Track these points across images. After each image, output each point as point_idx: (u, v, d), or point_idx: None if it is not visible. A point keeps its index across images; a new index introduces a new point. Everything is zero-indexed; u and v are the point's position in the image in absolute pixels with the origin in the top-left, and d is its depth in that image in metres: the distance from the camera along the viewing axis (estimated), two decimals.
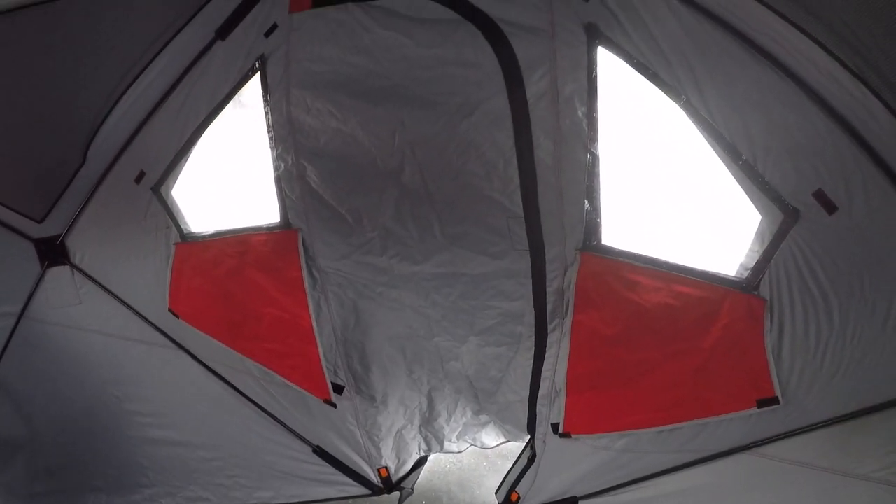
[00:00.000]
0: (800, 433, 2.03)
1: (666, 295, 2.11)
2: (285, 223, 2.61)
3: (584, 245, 2.22)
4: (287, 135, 2.47)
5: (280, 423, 2.97)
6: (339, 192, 2.49)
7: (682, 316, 2.10)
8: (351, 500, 3.04)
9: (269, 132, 2.52)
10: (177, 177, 2.79)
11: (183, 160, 2.75)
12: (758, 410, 2.04)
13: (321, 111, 2.39)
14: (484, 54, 2.11)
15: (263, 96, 2.49)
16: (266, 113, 2.51)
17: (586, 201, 2.16)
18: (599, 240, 2.21)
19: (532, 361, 2.51)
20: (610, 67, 2.04)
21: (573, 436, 2.42)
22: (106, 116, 2.75)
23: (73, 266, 3.02)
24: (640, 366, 2.23)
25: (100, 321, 3.06)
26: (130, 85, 2.68)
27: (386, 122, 2.31)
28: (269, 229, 2.65)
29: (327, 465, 2.97)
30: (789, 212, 1.86)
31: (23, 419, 3.14)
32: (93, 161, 2.82)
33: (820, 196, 1.82)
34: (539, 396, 2.53)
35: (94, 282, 3.02)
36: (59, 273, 3.02)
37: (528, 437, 2.70)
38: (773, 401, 2.01)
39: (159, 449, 3.12)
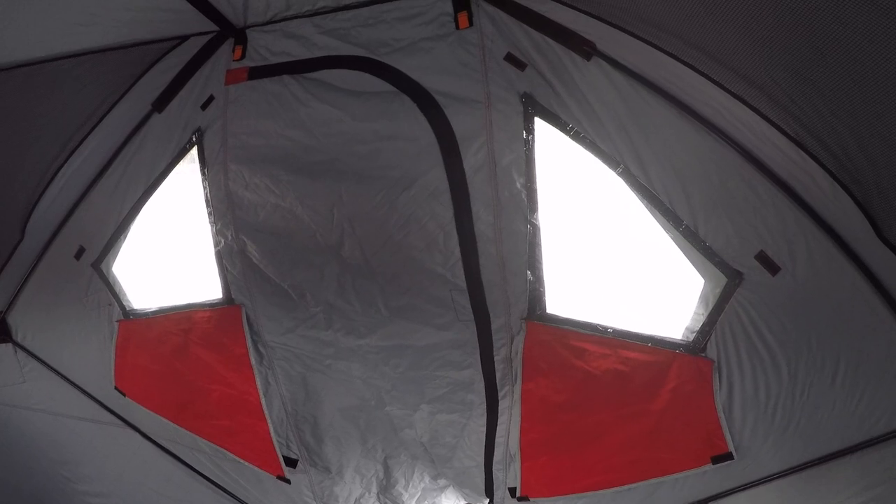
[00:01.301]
0: (756, 485, 1.99)
1: (614, 361, 2.03)
2: (228, 299, 2.45)
3: (529, 314, 2.13)
4: (226, 210, 2.32)
5: (235, 498, 2.77)
6: (280, 268, 2.34)
7: (630, 380, 2.02)
8: None
9: (207, 207, 2.37)
10: (117, 252, 2.62)
11: (123, 235, 2.59)
12: (713, 466, 1.99)
13: (259, 186, 2.24)
14: (420, 127, 2.00)
15: (201, 170, 2.35)
16: (204, 187, 2.35)
17: (529, 271, 2.07)
18: (544, 308, 2.11)
19: (485, 427, 2.40)
20: (547, 137, 1.95)
21: (531, 499, 2.34)
22: (43, 192, 2.59)
23: (16, 344, 2.84)
24: (593, 429, 2.14)
25: (45, 400, 2.86)
26: (67, 159, 2.53)
27: (324, 197, 2.18)
28: (213, 306, 2.48)
29: None
30: (732, 274, 1.80)
31: None
32: (31, 237, 2.66)
33: (762, 258, 1.78)
34: (494, 461, 2.43)
35: (38, 359, 2.84)
36: (1, 351, 2.85)
37: (487, 500, 2.58)
38: (728, 456, 1.96)
39: None
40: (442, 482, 2.75)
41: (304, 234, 2.26)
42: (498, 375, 2.28)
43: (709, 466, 2.00)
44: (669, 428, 2.02)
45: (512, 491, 2.40)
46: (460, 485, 2.67)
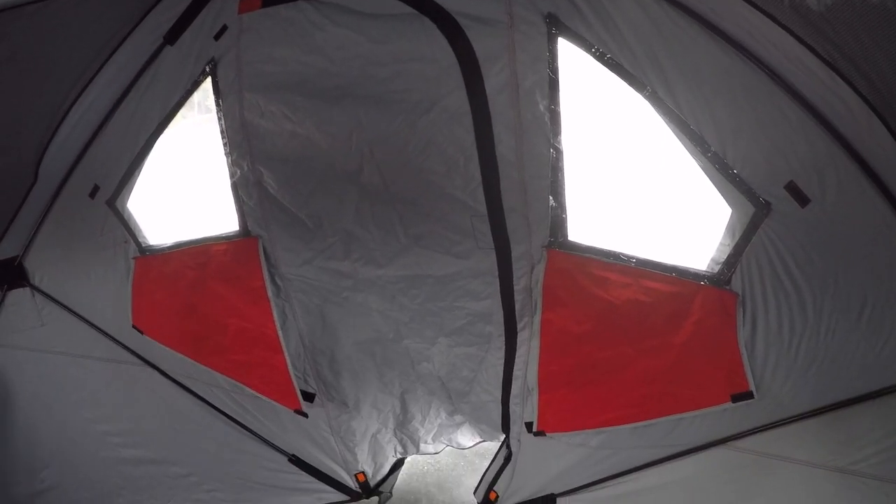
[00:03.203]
0: (776, 426, 1.88)
1: (636, 291, 1.94)
2: (244, 231, 2.37)
3: (551, 242, 2.04)
4: (241, 140, 2.23)
5: (253, 434, 2.73)
6: (297, 197, 2.25)
7: (652, 312, 1.93)
8: None
9: (223, 138, 2.28)
10: (132, 189, 2.54)
11: (137, 171, 2.50)
12: (732, 405, 1.89)
13: (275, 114, 2.15)
14: (440, 49, 1.90)
15: (216, 101, 2.25)
16: (219, 118, 2.26)
17: (551, 197, 1.97)
18: (566, 236, 2.02)
19: (503, 361, 2.33)
20: (572, 59, 1.84)
21: (548, 434, 2.26)
22: (55, 132, 2.51)
23: (33, 287, 2.77)
24: (612, 363, 2.06)
25: (65, 342, 2.81)
26: (78, 97, 2.44)
27: (342, 123, 2.08)
28: (229, 238, 2.40)
29: (304, 473, 2.74)
30: (760, 205, 1.70)
31: None
32: (45, 178, 2.58)
33: (792, 188, 1.66)
34: (511, 396, 2.36)
35: (56, 302, 2.77)
36: (19, 296, 2.77)
37: (504, 436, 2.52)
38: (748, 395, 1.86)
39: (134, 468, 2.86)
40: (458, 418, 2.72)
41: (321, 161, 2.17)
42: (517, 306, 2.20)
43: (728, 404, 1.91)
44: (690, 363, 1.94)
45: (528, 426, 2.32)
46: (476, 420, 2.63)
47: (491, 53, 1.87)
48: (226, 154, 2.31)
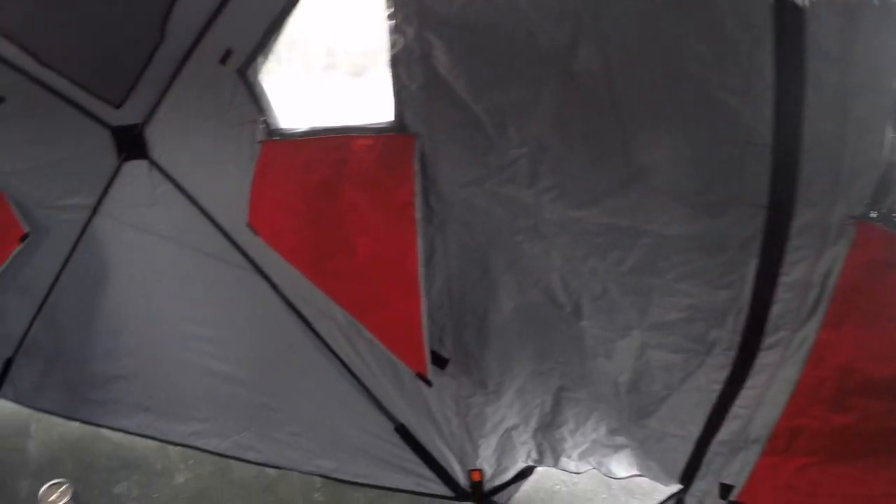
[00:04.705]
0: None
1: None
2: (400, 125, 1.77)
3: (869, 211, 1.27)
4: None
5: (362, 386, 2.26)
6: (476, 82, 1.62)
7: None
8: (426, 500, 2.31)
9: None
10: (267, 58, 2.07)
11: (275, 37, 2.02)
12: None
13: None
14: None
15: None
16: None
17: (890, 127, 1.19)
18: None
19: (721, 386, 1.63)
20: None
21: None
22: None
23: (151, 161, 2.44)
24: None
25: (174, 228, 2.47)
26: None
27: None
28: (378, 131, 1.83)
29: (408, 449, 2.25)
30: None
31: (81, 320, 2.71)
32: (173, 38, 2.17)
33: None
34: (715, 439, 1.68)
35: (172, 181, 2.43)
36: (135, 168, 2.46)
37: (679, 488, 1.84)
38: None
39: (220, 384, 2.55)
40: (620, 440, 2.03)
41: (516, 31, 1.52)
42: (775, 308, 1.46)
43: None
44: None
45: (725, 489, 1.68)
46: (645, 453, 1.94)
47: None
48: (386, 18, 1.72)
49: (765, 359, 1.52)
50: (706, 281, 1.53)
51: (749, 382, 1.57)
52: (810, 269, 1.37)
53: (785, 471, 1.51)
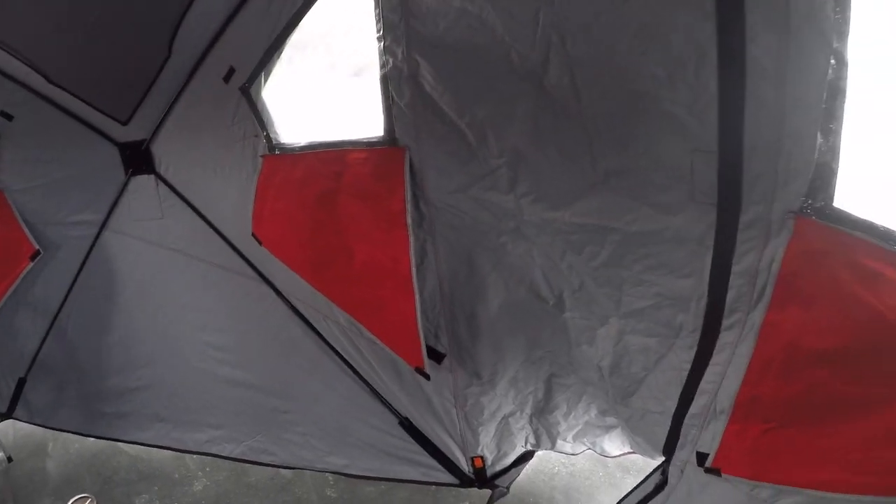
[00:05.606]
0: None
1: None
2: (390, 138, 1.93)
3: (805, 206, 1.40)
4: (398, 20, 1.78)
5: (366, 384, 2.41)
6: (459, 98, 1.78)
7: None
8: (433, 488, 2.45)
9: (376, 17, 1.84)
10: (268, 76, 2.20)
11: (276, 56, 2.15)
12: None
13: None
14: None
15: None
16: None
17: (820, 134, 1.32)
18: (830, 199, 1.37)
19: (690, 364, 1.77)
20: None
21: (724, 475, 1.72)
22: (192, 1, 2.20)
23: (158, 176, 2.58)
24: (856, 403, 1.44)
25: (181, 240, 2.62)
26: None
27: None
28: (371, 145, 1.99)
29: (413, 441, 2.39)
30: None
31: (93, 335, 2.81)
32: (179, 55, 2.30)
33: None
34: (689, 413, 1.82)
35: (178, 195, 2.57)
36: (143, 182, 2.60)
37: (662, 459, 1.98)
38: None
39: (231, 389, 2.68)
40: (610, 420, 2.20)
41: (494, 52, 1.67)
42: (730, 294, 1.61)
43: None
44: None
45: (701, 457, 1.80)
46: (633, 430, 2.08)
47: None
48: (378, 39, 1.87)
49: (725, 338, 1.66)
50: (669, 271, 1.69)
51: (713, 360, 1.71)
52: (758, 258, 1.52)
53: (748, 437, 1.66)
